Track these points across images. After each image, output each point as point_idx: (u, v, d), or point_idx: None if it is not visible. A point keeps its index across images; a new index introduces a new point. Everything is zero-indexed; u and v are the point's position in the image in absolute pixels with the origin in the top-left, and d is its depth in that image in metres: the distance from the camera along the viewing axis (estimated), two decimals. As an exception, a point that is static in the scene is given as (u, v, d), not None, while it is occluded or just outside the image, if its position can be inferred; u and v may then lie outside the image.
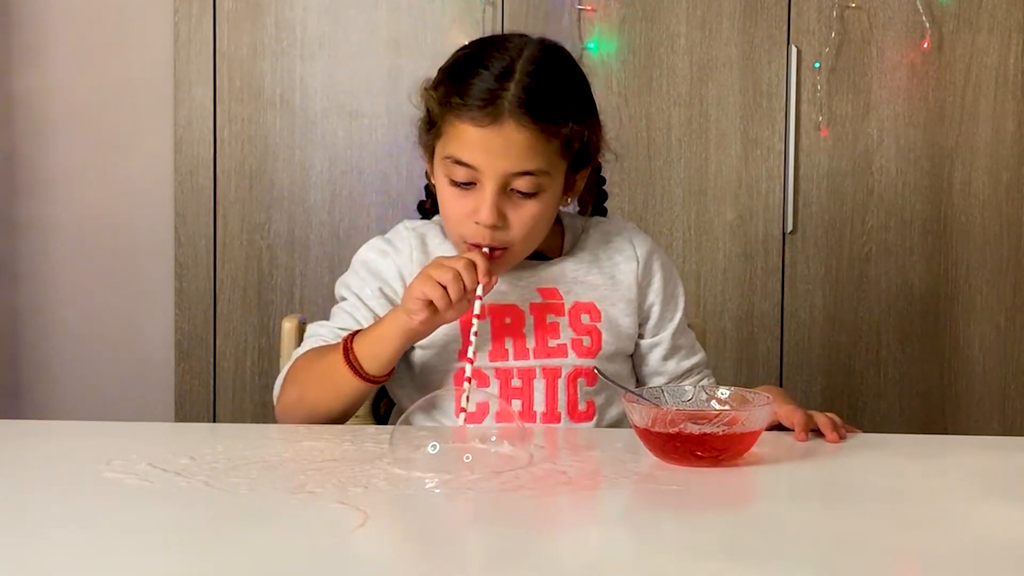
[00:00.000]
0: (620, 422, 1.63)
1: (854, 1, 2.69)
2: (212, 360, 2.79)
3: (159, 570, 0.98)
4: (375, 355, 1.52)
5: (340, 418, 1.56)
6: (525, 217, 1.52)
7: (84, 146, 2.79)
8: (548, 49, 1.56)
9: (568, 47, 1.63)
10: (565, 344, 1.59)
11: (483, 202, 1.50)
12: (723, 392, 1.36)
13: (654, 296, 1.65)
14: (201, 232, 2.76)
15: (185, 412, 2.79)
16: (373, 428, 1.50)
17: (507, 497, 1.17)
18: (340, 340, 1.55)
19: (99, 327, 2.82)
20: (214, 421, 2.77)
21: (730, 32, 2.71)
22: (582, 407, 1.60)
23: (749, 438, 1.27)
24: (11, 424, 1.53)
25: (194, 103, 2.74)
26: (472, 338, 1.48)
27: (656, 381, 1.65)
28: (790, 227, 2.73)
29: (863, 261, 2.74)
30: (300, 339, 1.76)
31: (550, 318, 1.60)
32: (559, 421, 1.58)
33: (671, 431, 1.26)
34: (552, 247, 1.65)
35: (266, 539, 1.05)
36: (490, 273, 1.48)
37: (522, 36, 1.57)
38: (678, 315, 1.67)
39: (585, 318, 1.61)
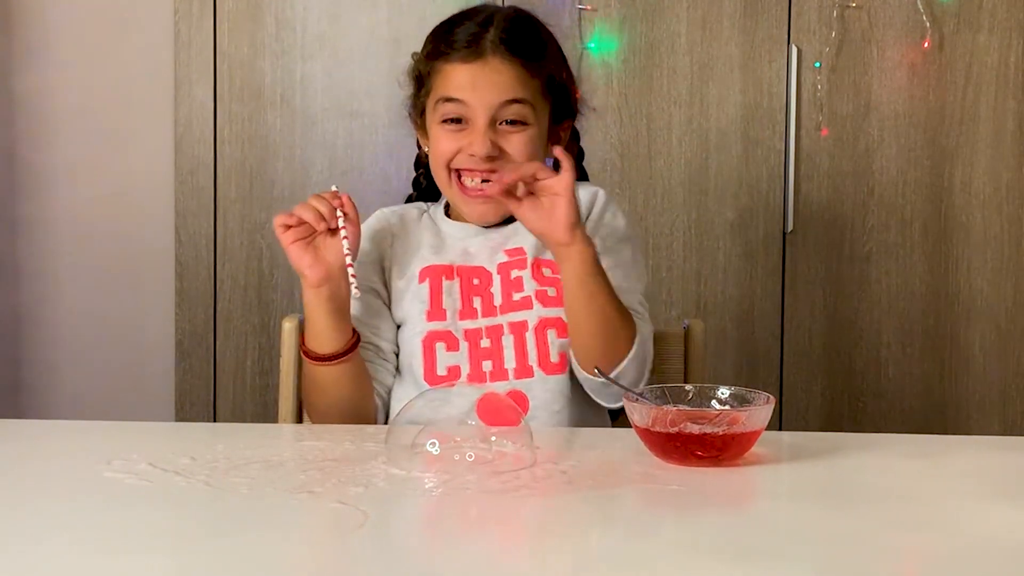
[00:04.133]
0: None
1: (854, 0, 2.69)
2: (212, 359, 2.79)
3: (159, 570, 0.98)
4: (314, 334, 1.57)
5: (360, 409, 1.59)
6: (519, 145, 1.61)
7: (84, 145, 2.79)
8: (522, 10, 1.72)
9: (568, 47, 1.69)
10: (530, 296, 1.63)
11: (476, 134, 1.60)
12: (723, 392, 1.36)
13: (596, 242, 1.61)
14: (201, 232, 2.76)
15: (185, 411, 2.79)
16: (373, 428, 1.50)
17: (507, 497, 1.17)
18: None
19: (100, 326, 2.82)
20: (215, 420, 2.78)
21: (730, 32, 2.71)
22: (554, 359, 1.61)
23: (749, 438, 1.27)
24: (11, 424, 1.53)
25: (194, 102, 2.74)
26: (347, 257, 1.51)
27: None
28: (790, 227, 2.73)
29: (863, 261, 2.74)
30: (301, 338, 1.76)
31: (514, 273, 1.65)
32: (532, 375, 1.60)
33: (671, 431, 1.25)
34: None
35: (266, 539, 1.05)
36: (338, 196, 1.55)
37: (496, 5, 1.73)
38: (608, 264, 1.60)
39: (547, 271, 1.64)
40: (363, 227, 1.66)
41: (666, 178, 2.74)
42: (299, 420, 1.72)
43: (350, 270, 1.52)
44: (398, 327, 1.66)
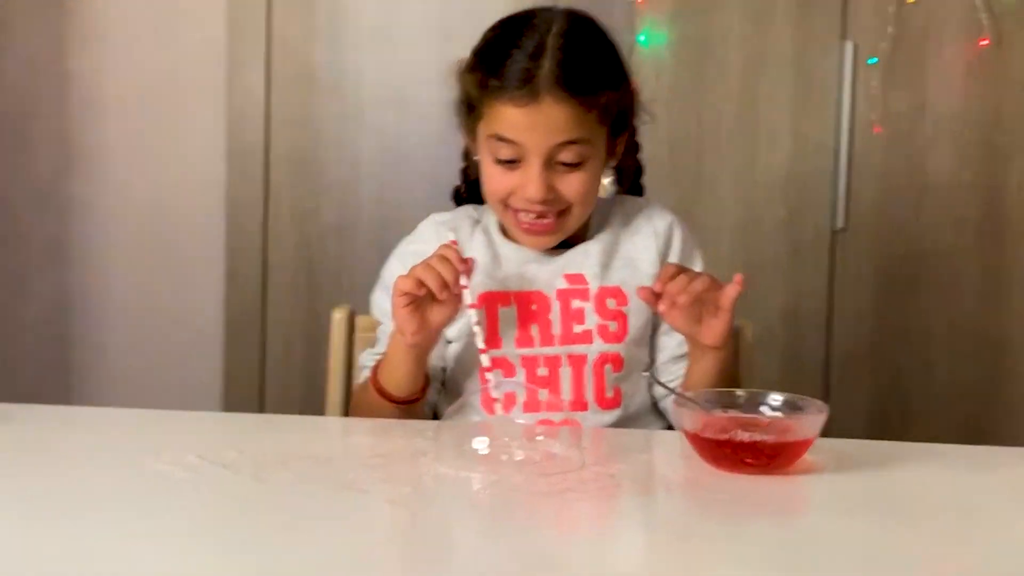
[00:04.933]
0: (646, 411, 1.63)
1: (912, -2, 2.66)
2: (261, 344, 2.81)
3: (205, 566, 0.99)
4: (396, 381, 1.55)
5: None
6: (575, 186, 1.54)
7: (137, 128, 2.81)
8: (576, 21, 1.57)
9: (618, 40, 1.64)
10: (591, 330, 1.59)
11: (530, 179, 1.53)
12: (775, 398, 1.35)
13: None
14: (252, 217, 2.77)
15: (233, 396, 2.81)
16: (421, 424, 1.50)
17: (554, 500, 1.17)
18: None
19: (149, 308, 2.84)
20: (261, 405, 2.79)
21: (783, 26, 2.69)
22: (609, 394, 1.59)
23: (800, 446, 1.26)
24: (62, 410, 1.55)
25: (247, 87, 2.75)
26: (476, 328, 1.48)
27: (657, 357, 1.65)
28: (840, 225, 2.71)
29: (915, 261, 2.71)
30: (350, 330, 1.77)
31: (575, 304, 1.60)
32: (586, 409, 1.58)
33: (721, 437, 1.25)
34: (577, 232, 1.64)
35: (314, 538, 1.05)
36: (464, 260, 1.49)
37: (548, 10, 1.58)
38: None
39: (611, 303, 1.61)
40: (415, 242, 1.64)
41: (714, 173, 2.72)
42: (346, 411, 1.73)
43: (477, 329, 1.48)
44: (448, 341, 1.63)
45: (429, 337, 1.53)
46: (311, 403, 2.78)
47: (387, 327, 1.64)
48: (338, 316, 1.76)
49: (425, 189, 2.73)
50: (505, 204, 1.57)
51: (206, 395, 2.82)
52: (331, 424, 1.52)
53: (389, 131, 2.76)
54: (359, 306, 1.75)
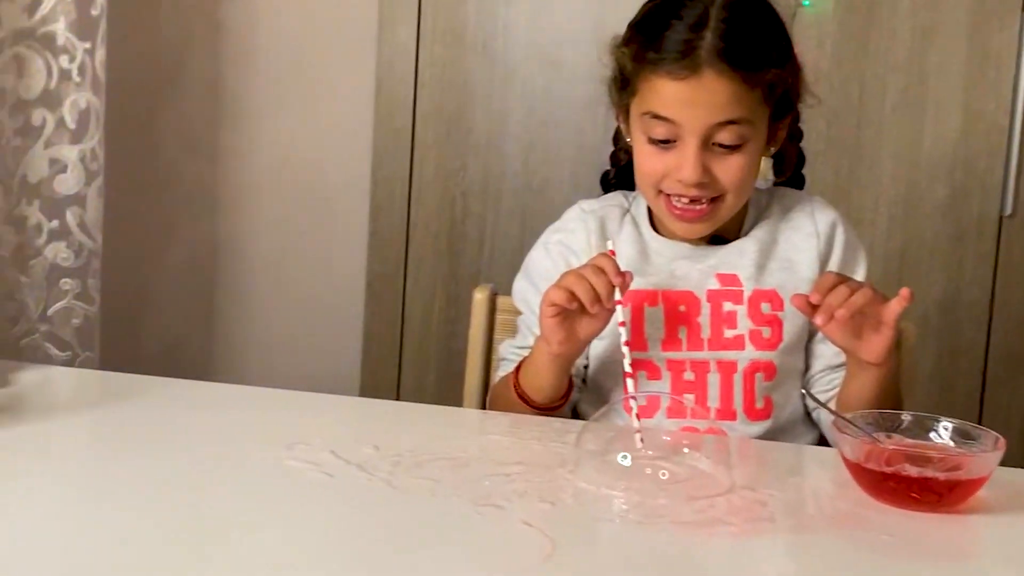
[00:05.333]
0: (796, 421, 1.55)
1: (1104, -29, 2.48)
2: (401, 303, 2.79)
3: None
4: (539, 387, 1.49)
5: None
6: (732, 170, 1.44)
7: (287, 80, 2.79)
8: None
9: (782, 4, 1.53)
10: (743, 335, 1.50)
11: (685, 159, 1.43)
12: (944, 425, 1.26)
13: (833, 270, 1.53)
14: (397, 175, 2.74)
15: (372, 354, 2.80)
16: (560, 422, 1.44)
17: (701, 534, 1.10)
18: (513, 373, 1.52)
19: (293, 260, 2.84)
20: (400, 364, 2.78)
21: (960, -7, 2.53)
22: (759, 404, 1.51)
23: (974, 484, 1.17)
24: (199, 387, 1.53)
25: (397, 43, 2.71)
26: (624, 349, 1.38)
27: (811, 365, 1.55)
28: (1009, 210, 2.56)
29: (1090, 254, 2.56)
30: (491, 310, 1.72)
31: (727, 306, 1.51)
32: (734, 419, 1.50)
33: (886, 470, 1.17)
34: (730, 228, 1.55)
35: (446, 556, 1.01)
36: (621, 273, 1.40)
37: None
38: None
39: (766, 307, 1.51)
40: (562, 231, 1.58)
41: (874, 149, 2.59)
42: (484, 397, 1.69)
43: (622, 330, 1.38)
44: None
45: (575, 348, 1.46)
46: (447, 363, 2.77)
47: (528, 318, 1.59)
48: (479, 296, 1.71)
49: (570, 154, 2.67)
50: (658, 189, 1.49)
51: (346, 353, 2.81)
52: (469, 419, 1.47)
53: (537, 92, 2.69)
54: (499, 279, 1.68)
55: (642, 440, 1.26)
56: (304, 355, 2.84)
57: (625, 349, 1.38)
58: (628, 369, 1.37)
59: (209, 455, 1.24)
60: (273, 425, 1.35)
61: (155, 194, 2.82)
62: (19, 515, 1.05)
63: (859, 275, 1.54)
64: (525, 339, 1.58)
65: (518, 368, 1.51)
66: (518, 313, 1.62)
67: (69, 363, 2.21)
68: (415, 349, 2.79)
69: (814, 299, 1.37)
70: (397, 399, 2.73)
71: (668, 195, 1.48)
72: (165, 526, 1.04)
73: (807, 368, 1.56)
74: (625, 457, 1.23)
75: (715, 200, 1.47)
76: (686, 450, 1.27)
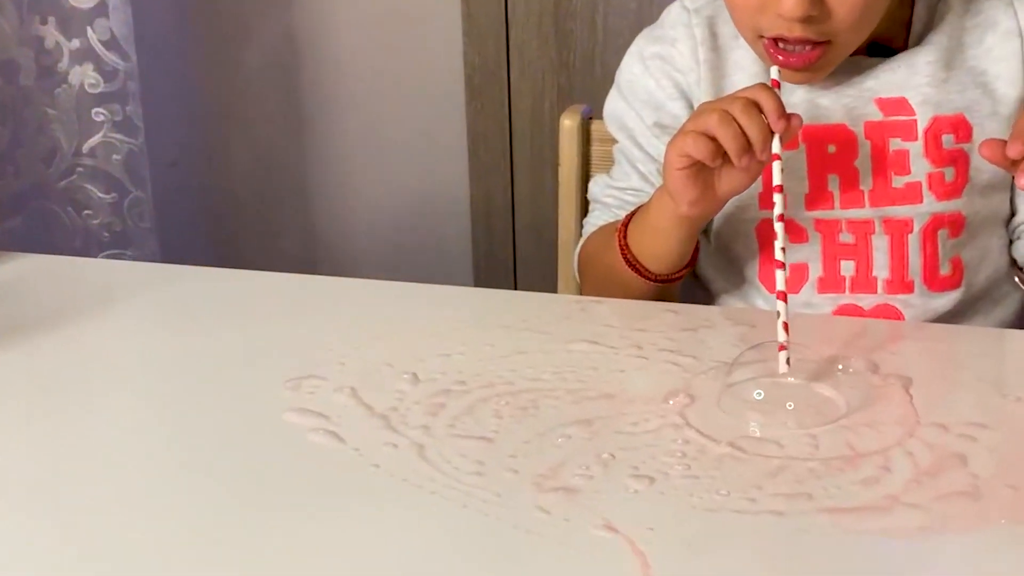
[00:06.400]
0: (992, 289, 1.16)
1: None
2: (507, 99, 2.43)
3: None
4: (656, 255, 1.10)
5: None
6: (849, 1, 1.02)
7: None
8: None
9: None
10: (919, 183, 1.11)
11: None
12: None
13: None
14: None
15: (480, 157, 2.45)
16: (678, 322, 1.04)
17: (870, 532, 0.74)
18: (616, 231, 1.13)
19: (383, 63, 2.48)
20: (511, 166, 2.43)
21: None
22: (945, 270, 1.13)
23: None
24: (277, 280, 1.20)
25: None
26: (777, 226, 0.93)
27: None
28: None
29: None
30: (583, 139, 1.34)
31: (896, 144, 1.11)
32: (911, 291, 1.12)
33: None
34: (895, 32, 1.13)
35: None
36: (786, 115, 0.98)
37: None
38: None
39: (948, 140, 1.11)
40: (660, 41, 1.18)
41: None
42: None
43: (778, 198, 0.94)
44: None
45: (711, 208, 1.08)
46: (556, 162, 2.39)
47: (628, 149, 1.21)
48: (567, 124, 1.33)
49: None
50: (758, 32, 1.07)
51: (450, 154, 2.46)
52: (572, 313, 1.07)
53: None
54: (613, 57, 1.25)
55: (788, 362, 0.89)
56: (404, 167, 2.51)
57: (778, 198, 0.94)
58: (780, 257, 0.92)
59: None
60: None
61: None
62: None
63: None
64: (627, 177, 1.21)
65: (625, 224, 1.14)
66: (614, 141, 1.24)
67: (116, 207, 1.92)
68: (526, 154, 2.43)
69: (1013, 152, 0.95)
70: (512, 211, 2.41)
71: (769, 40, 1.07)
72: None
73: (1013, 212, 1.15)
74: (760, 393, 0.87)
75: (822, 45, 1.06)
76: (850, 369, 0.91)
